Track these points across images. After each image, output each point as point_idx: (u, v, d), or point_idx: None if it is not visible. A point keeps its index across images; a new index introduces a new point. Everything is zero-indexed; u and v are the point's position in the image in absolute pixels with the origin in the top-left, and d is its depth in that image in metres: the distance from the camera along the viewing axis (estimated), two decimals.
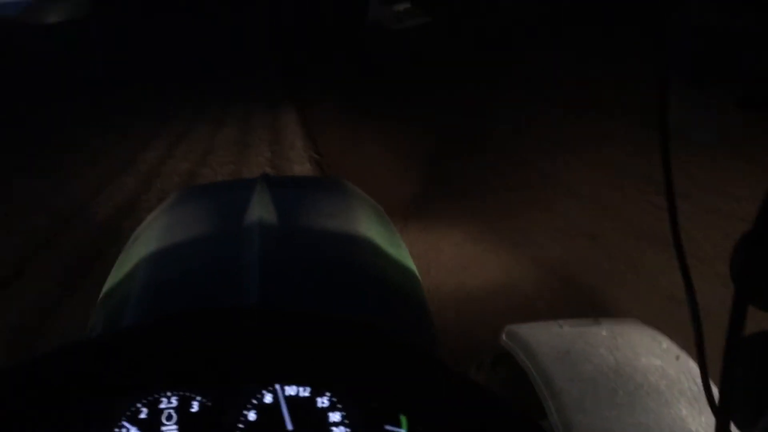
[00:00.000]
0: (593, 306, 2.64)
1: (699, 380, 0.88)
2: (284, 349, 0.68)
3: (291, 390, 0.71)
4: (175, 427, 0.67)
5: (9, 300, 3.02)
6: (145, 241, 1.27)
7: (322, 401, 0.71)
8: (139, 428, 0.67)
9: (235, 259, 1.02)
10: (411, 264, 1.21)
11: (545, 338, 1.00)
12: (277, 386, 0.71)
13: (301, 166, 5.03)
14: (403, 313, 1.03)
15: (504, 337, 1.10)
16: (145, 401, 0.69)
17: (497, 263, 3.00)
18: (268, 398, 0.70)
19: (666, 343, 0.95)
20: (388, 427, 0.70)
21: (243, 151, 5.77)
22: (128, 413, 0.68)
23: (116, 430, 0.66)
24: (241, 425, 0.68)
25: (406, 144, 5.40)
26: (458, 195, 4.06)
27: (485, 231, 3.39)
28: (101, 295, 1.19)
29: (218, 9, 16.86)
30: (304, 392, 0.71)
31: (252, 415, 0.69)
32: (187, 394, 0.69)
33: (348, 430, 0.70)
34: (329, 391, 0.71)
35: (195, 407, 0.68)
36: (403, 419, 0.70)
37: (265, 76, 10.33)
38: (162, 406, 0.68)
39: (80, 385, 0.63)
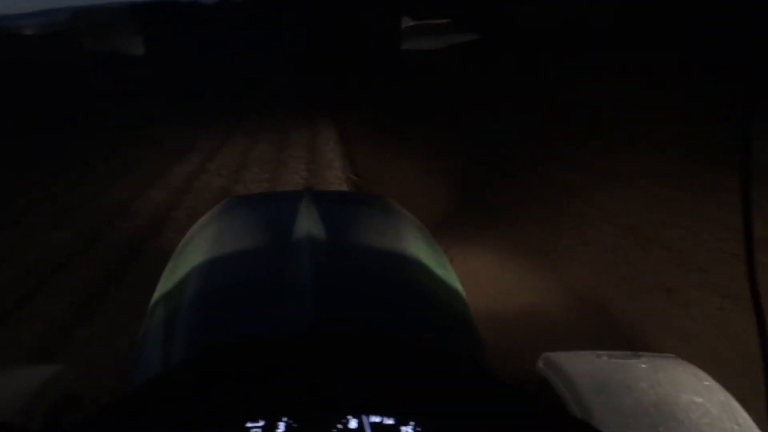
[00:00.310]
0: None
1: (741, 420, 0.87)
2: (372, 375, 0.67)
3: (376, 417, 0.69)
4: None
5: None
6: (195, 251, 1.28)
7: (406, 430, 0.69)
8: None
9: (287, 274, 1.02)
10: (459, 285, 1.21)
11: (583, 368, 1.00)
12: (362, 413, 0.70)
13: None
14: (455, 336, 1.02)
15: (540, 364, 1.09)
16: (229, 422, 0.68)
17: None
18: (352, 424, 0.69)
19: (708, 381, 0.94)
20: None
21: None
22: None
23: None
24: None
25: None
26: None
27: None
28: (152, 303, 1.21)
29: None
30: (389, 419, 0.69)
31: None
32: (275, 416, 0.68)
33: None
34: (414, 421, 0.69)
35: (281, 429, 0.67)
36: None
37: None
38: (248, 424, 0.68)
39: (172, 415, 0.64)
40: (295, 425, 0.67)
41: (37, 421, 1.01)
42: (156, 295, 1.23)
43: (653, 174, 4.58)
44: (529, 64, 11.04)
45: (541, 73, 9.96)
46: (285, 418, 0.67)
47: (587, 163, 5.05)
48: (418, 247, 1.23)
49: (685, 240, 3.41)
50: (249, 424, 0.67)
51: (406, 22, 19.53)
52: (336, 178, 5.30)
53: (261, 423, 0.67)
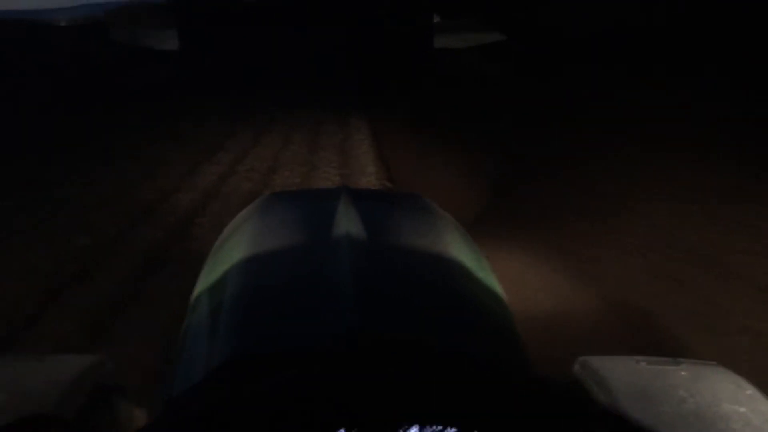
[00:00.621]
0: None
1: None
2: (434, 388, 0.66)
3: (435, 429, 0.66)
4: None
5: None
6: (235, 247, 1.29)
7: None
8: None
9: (327, 274, 1.02)
10: (498, 287, 1.20)
11: (621, 373, 0.99)
12: (416, 425, 0.67)
13: None
14: (498, 341, 1.02)
15: (577, 367, 1.09)
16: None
17: None
18: None
19: (750, 390, 0.92)
20: None
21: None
22: None
23: None
24: None
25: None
26: None
27: None
28: (193, 298, 1.23)
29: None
30: None
31: None
32: (331, 426, 0.66)
33: None
34: None
35: None
36: None
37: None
38: None
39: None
40: None
41: (72, 411, 1.03)
42: (197, 290, 1.25)
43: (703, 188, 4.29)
44: (559, 70, 10.71)
45: (574, 81, 9.60)
46: (337, 426, 0.64)
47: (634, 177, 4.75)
48: (458, 248, 1.22)
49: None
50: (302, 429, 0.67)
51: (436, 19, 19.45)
52: (369, 184, 5.21)
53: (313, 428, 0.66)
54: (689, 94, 7.16)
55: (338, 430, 0.65)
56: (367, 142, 6.95)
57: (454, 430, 0.67)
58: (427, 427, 0.68)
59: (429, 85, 11.53)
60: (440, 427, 0.67)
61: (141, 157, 6.27)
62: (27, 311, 2.92)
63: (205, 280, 1.26)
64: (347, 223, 1.18)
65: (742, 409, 0.86)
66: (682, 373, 0.96)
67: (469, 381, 0.65)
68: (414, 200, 1.59)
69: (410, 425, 0.67)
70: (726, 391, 0.91)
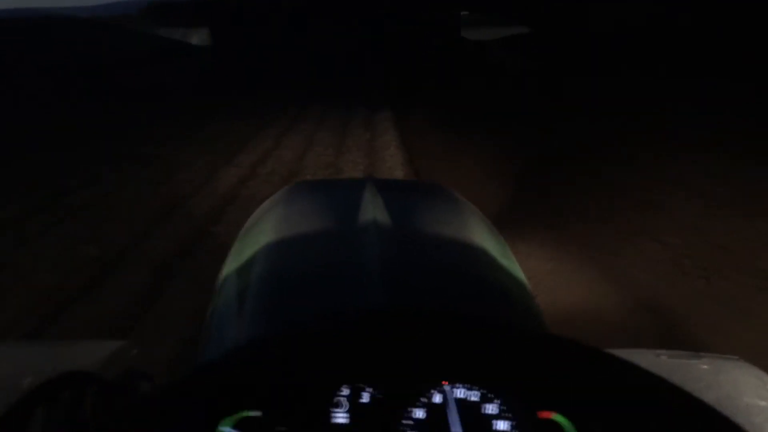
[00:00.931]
0: None
1: None
2: (459, 351, 0.67)
3: (460, 392, 0.70)
4: (345, 414, 0.68)
5: None
6: (262, 232, 1.30)
7: (492, 407, 0.69)
8: (308, 410, 0.68)
9: (355, 258, 1.03)
10: (521, 273, 1.21)
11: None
12: (447, 387, 0.70)
13: None
14: (520, 314, 1.02)
15: None
16: (318, 387, 0.70)
17: None
18: (437, 398, 0.69)
19: None
20: None
21: None
22: (309, 401, 0.69)
23: (290, 415, 0.68)
24: (408, 421, 0.68)
25: None
26: None
27: None
28: (220, 281, 1.25)
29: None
30: (474, 397, 0.70)
31: (420, 413, 0.68)
32: (360, 384, 0.69)
33: None
34: (499, 398, 0.69)
35: (366, 398, 0.68)
36: None
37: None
38: (335, 392, 0.69)
39: (261, 382, 0.65)
40: (379, 396, 0.68)
41: None
42: (223, 273, 1.27)
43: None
44: (587, 66, 10.37)
45: (607, 76, 9.24)
46: (370, 389, 0.69)
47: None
48: (482, 237, 1.23)
49: None
50: (335, 392, 0.69)
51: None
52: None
53: (346, 392, 0.69)
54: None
55: (366, 387, 0.69)
56: (395, 143, 6.76)
57: (479, 390, 0.70)
58: (455, 386, 0.70)
59: (458, 79, 11.30)
60: (467, 386, 0.70)
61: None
62: (25, 330, 2.82)
63: (231, 264, 1.28)
64: (373, 210, 1.19)
65: (763, 403, 0.85)
66: (703, 366, 0.96)
67: (493, 343, 0.64)
68: (437, 189, 1.61)
69: (437, 385, 0.69)
70: (747, 385, 0.90)
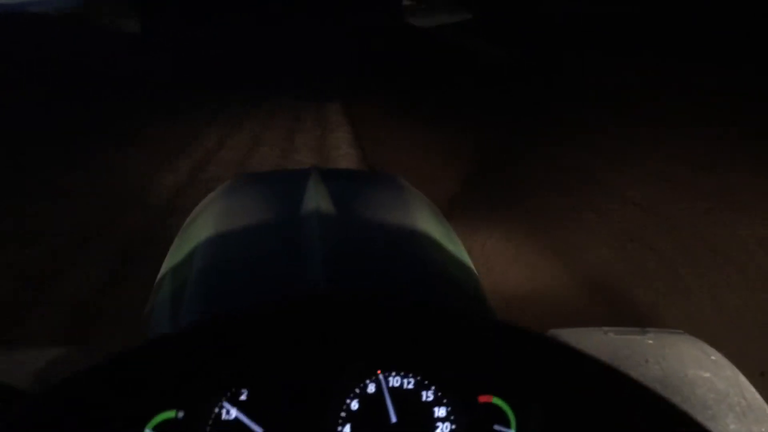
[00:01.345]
0: None
1: (748, 395, 0.87)
2: (392, 337, 0.65)
3: (395, 381, 0.69)
4: (277, 409, 0.66)
5: None
6: (202, 226, 1.27)
7: (427, 395, 0.68)
8: (239, 410, 0.66)
9: (296, 247, 1.01)
10: (469, 261, 1.20)
11: (589, 344, 0.99)
12: (381, 377, 0.69)
13: None
14: (464, 299, 1.01)
15: None
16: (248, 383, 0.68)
17: None
18: (371, 388, 0.68)
19: (715, 356, 0.93)
20: (496, 427, 0.67)
21: None
22: (228, 394, 0.67)
23: (217, 410, 0.66)
24: (343, 413, 0.66)
25: None
26: None
27: None
28: (158, 280, 1.21)
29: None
30: (409, 385, 0.69)
31: (355, 405, 0.67)
32: (291, 379, 0.67)
33: (453, 426, 0.67)
34: (435, 385, 0.69)
35: (298, 391, 0.67)
36: (512, 419, 0.67)
37: None
38: (266, 389, 0.67)
39: (181, 369, 0.61)
40: (311, 389, 0.66)
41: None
42: (162, 270, 1.23)
43: None
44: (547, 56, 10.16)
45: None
46: (300, 382, 0.67)
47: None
48: (428, 224, 1.22)
49: None
50: (263, 387, 0.67)
51: None
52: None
53: (275, 386, 0.66)
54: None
55: (300, 380, 0.66)
56: (347, 140, 6.34)
57: (414, 378, 0.69)
58: (390, 375, 0.68)
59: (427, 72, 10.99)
60: (402, 374, 0.68)
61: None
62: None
63: (170, 261, 1.24)
64: (317, 199, 1.17)
65: (707, 375, 0.87)
66: (649, 341, 0.97)
67: (429, 327, 0.62)
68: (386, 179, 1.59)
69: (371, 375, 0.68)
70: (692, 358, 0.92)
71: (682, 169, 4.24)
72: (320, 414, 0.66)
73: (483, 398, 0.68)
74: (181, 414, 0.65)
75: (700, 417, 0.84)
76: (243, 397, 0.66)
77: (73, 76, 9.53)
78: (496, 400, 0.68)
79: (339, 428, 0.66)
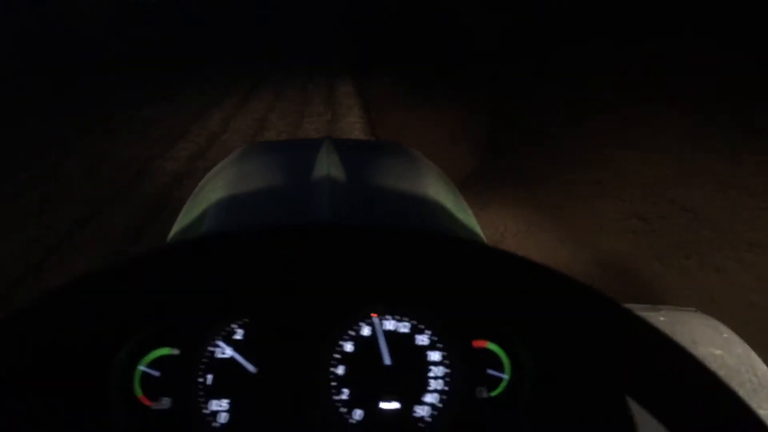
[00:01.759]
0: None
1: (760, 372, 0.87)
2: (391, 267, 0.59)
3: (390, 325, 0.69)
4: (272, 351, 0.66)
5: None
6: (212, 191, 1.27)
7: (422, 339, 0.68)
8: (234, 348, 0.66)
9: (305, 210, 1.01)
10: (480, 232, 1.20)
11: None
12: (376, 320, 0.68)
13: None
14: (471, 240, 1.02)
15: None
16: (240, 323, 0.68)
17: None
18: (365, 331, 0.68)
19: (727, 333, 0.94)
20: (490, 371, 0.67)
21: None
22: (223, 333, 0.67)
23: (210, 348, 0.67)
24: (337, 355, 0.67)
25: None
26: None
27: None
28: (168, 240, 1.21)
29: None
30: (403, 329, 0.69)
31: (349, 347, 0.67)
32: (285, 320, 0.67)
33: (448, 370, 0.67)
34: (430, 329, 0.69)
35: (293, 334, 0.67)
36: (507, 363, 0.68)
37: None
38: (259, 330, 0.67)
39: (174, 295, 0.55)
40: (306, 331, 0.66)
41: None
42: (172, 232, 1.24)
43: None
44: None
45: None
46: (295, 324, 0.66)
47: None
48: (440, 193, 1.22)
49: None
50: (262, 324, 0.66)
51: None
52: None
53: (271, 328, 0.66)
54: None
55: (292, 326, 0.66)
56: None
57: (409, 322, 0.68)
58: (385, 318, 0.68)
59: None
60: (397, 318, 0.68)
61: None
62: None
63: (179, 224, 1.25)
64: (328, 167, 1.17)
65: (719, 352, 0.88)
66: (661, 318, 0.97)
67: (428, 256, 0.56)
68: (397, 148, 1.59)
69: (366, 318, 0.67)
70: (703, 335, 0.92)
71: None
72: (314, 355, 0.66)
73: (477, 343, 0.68)
74: (176, 351, 0.66)
75: None
76: (238, 336, 0.67)
77: None
78: (491, 345, 0.68)
79: (332, 369, 0.67)
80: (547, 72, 7.00)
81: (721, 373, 0.84)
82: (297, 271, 0.58)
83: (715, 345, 0.89)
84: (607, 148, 4.43)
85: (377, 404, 0.67)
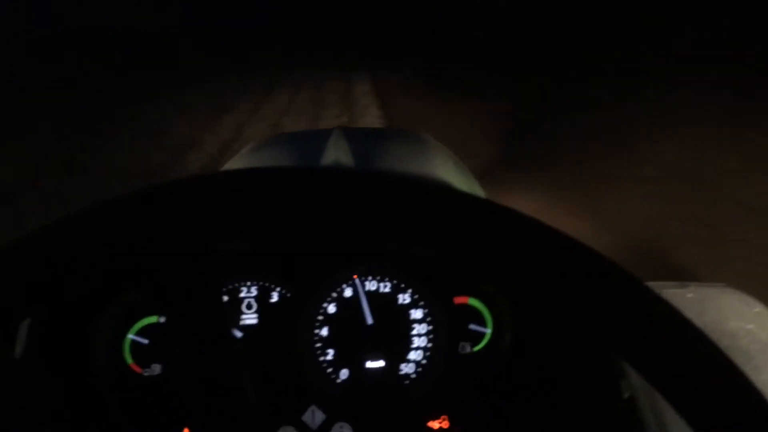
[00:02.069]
0: None
1: None
2: (382, 214, 0.49)
3: (371, 285, 0.70)
4: (254, 315, 0.68)
5: None
6: None
7: (404, 298, 0.70)
8: (213, 313, 0.68)
9: None
10: None
11: None
12: (357, 281, 0.70)
13: None
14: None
15: None
16: (225, 289, 0.69)
17: None
18: (348, 292, 0.70)
19: (759, 308, 0.92)
20: (472, 326, 0.69)
21: None
22: (210, 299, 0.69)
23: (198, 315, 0.68)
24: (320, 317, 0.68)
25: None
26: None
27: None
28: None
29: None
30: (385, 288, 0.70)
31: (332, 308, 0.69)
32: (267, 284, 0.68)
33: (430, 327, 0.69)
34: (410, 288, 0.70)
35: (275, 297, 0.68)
36: (489, 318, 0.69)
37: None
38: (242, 295, 0.69)
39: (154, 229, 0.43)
40: (288, 294, 0.67)
41: None
42: None
43: None
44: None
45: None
46: (278, 288, 0.68)
47: None
48: (449, 174, 1.21)
49: None
50: (241, 292, 0.67)
51: None
52: None
53: (254, 292, 0.67)
54: None
55: (274, 289, 0.67)
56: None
57: (390, 282, 0.69)
58: (366, 279, 0.69)
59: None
60: (378, 279, 0.69)
61: None
62: None
63: None
64: (336, 154, 1.18)
65: (750, 326, 0.86)
66: (689, 294, 0.96)
67: (415, 202, 0.47)
68: (410, 136, 1.58)
69: (347, 279, 0.68)
70: (734, 310, 0.90)
71: None
72: (297, 317, 0.67)
73: (459, 299, 0.69)
74: (162, 319, 0.68)
75: (742, 368, 0.84)
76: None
77: None
78: (472, 301, 0.69)
79: (316, 331, 0.68)
80: None
81: (753, 347, 0.83)
82: (284, 216, 0.47)
83: (746, 320, 0.87)
84: None
85: (363, 363, 0.68)
